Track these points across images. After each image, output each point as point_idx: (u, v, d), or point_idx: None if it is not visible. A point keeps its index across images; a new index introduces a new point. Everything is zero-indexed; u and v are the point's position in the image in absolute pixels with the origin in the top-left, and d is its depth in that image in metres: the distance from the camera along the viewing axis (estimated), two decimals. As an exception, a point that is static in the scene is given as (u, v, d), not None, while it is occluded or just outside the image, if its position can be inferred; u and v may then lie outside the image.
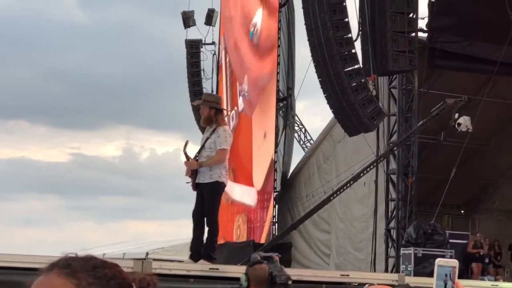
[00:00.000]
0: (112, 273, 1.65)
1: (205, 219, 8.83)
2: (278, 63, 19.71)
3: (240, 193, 21.61)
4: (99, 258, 1.69)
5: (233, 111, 22.99)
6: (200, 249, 8.86)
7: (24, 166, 51.85)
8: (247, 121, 21.94)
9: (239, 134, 22.45)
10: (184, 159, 8.86)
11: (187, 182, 8.92)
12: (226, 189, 24.10)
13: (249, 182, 21.02)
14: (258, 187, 20.41)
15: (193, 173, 8.81)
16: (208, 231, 8.84)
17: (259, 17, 21.83)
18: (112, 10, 52.21)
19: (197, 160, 8.75)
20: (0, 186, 49.95)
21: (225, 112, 9.27)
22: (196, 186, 8.82)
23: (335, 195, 15.46)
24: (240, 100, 22.67)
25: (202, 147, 8.86)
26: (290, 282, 4.56)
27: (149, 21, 53.40)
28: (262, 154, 20.53)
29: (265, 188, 20.06)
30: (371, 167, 15.22)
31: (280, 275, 4.53)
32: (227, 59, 24.08)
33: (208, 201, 8.76)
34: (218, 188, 8.83)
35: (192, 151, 8.97)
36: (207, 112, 8.88)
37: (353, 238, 17.84)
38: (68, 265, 1.62)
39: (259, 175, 20.51)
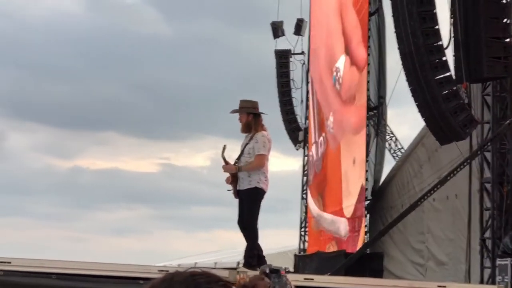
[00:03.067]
0: None
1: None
2: (368, 72, 19.58)
3: (330, 223, 21.55)
4: (199, 276, 1.60)
5: (321, 138, 23.02)
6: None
7: (115, 176, 53.08)
8: (332, 151, 21.94)
9: (327, 161, 22.47)
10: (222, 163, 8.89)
11: (228, 190, 8.95)
12: (315, 217, 23.48)
13: (339, 212, 20.87)
14: (348, 215, 20.25)
15: (234, 181, 8.85)
16: (247, 238, 8.77)
17: (341, 63, 21.68)
18: (198, 23, 52.97)
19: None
20: (93, 196, 51.37)
21: (262, 116, 9.19)
22: (238, 194, 8.88)
23: (422, 200, 15.26)
24: (326, 125, 22.64)
25: (241, 153, 8.87)
26: None
27: (236, 33, 53.94)
28: (351, 180, 20.37)
29: (356, 214, 19.83)
30: (458, 170, 14.96)
31: None
32: (314, 89, 24.17)
33: (247, 207, 8.74)
34: (256, 194, 8.75)
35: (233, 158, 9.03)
36: (245, 119, 8.87)
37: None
38: None
39: (349, 202, 20.30)
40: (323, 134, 22.77)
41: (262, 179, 8.75)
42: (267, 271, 4.58)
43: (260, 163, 8.73)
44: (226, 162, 8.86)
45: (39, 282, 6.97)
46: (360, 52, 20.46)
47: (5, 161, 51.37)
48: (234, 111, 8.97)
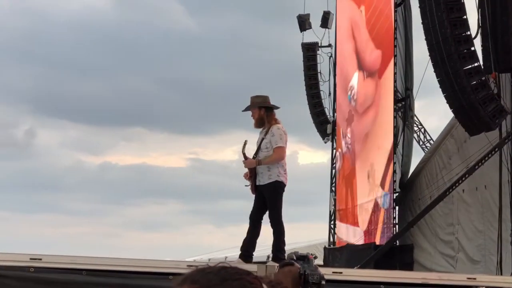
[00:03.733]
0: (241, 285, 1.65)
1: (261, 220, 8.90)
2: (395, 64, 19.47)
3: (346, 232, 21.77)
4: (230, 268, 1.69)
5: (337, 153, 23.13)
6: (251, 250, 8.88)
7: (144, 172, 53.36)
8: (349, 167, 21.98)
9: (343, 177, 22.55)
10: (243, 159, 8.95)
11: (246, 185, 8.96)
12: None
13: (355, 223, 21.14)
14: (364, 227, 20.41)
15: (251, 176, 8.84)
16: (274, 232, 8.79)
17: (355, 80, 21.88)
18: (224, 18, 53.00)
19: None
20: (123, 191, 51.77)
21: (275, 110, 9.14)
22: (256, 189, 8.85)
23: (450, 190, 15.15)
24: (343, 143, 22.70)
25: (258, 148, 8.89)
26: (323, 282, 4.48)
27: (263, 27, 53.89)
28: (366, 195, 20.51)
29: (370, 227, 19.98)
30: (486, 159, 14.85)
31: (313, 274, 4.46)
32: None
33: (270, 201, 8.75)
34: (278, 187, 8.76)
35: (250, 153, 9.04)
36: (258, 114, 8.89)
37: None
38: (196, 281, 1.64)
39: (364, 218, 20.53)
40: (339, 150, 22.95)
41: (281, 172, 8.76)
42: (294, 258, 4.59)
43: (279, 155, 8.74)
44: (246, 158, 8.87)
45: (69, 278, 7.03)
46: (373, 57, 20.57)
47: (35, 158, 51.93)
48: (246, 109, 8.99)
